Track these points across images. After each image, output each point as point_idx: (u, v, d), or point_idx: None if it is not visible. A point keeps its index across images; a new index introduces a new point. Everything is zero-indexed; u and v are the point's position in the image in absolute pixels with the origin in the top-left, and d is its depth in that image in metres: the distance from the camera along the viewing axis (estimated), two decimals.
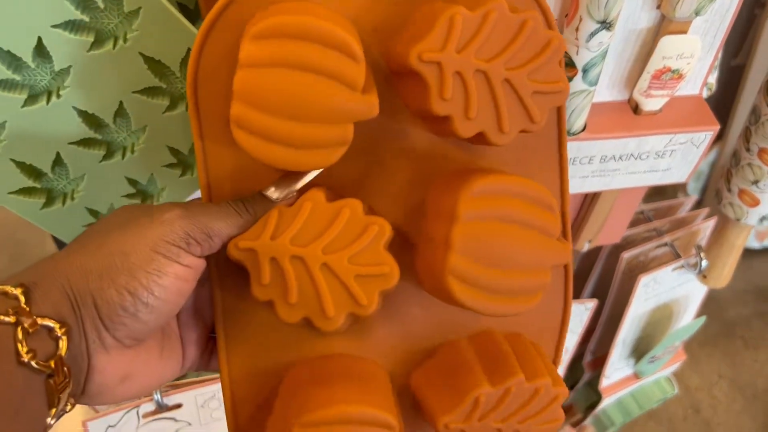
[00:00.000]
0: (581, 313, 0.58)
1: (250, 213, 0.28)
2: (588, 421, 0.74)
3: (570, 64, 0.39)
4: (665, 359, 0.67)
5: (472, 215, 0.27)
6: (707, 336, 1.43)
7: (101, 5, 0.30)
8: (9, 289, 0.24)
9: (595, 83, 0.40)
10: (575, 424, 0.77)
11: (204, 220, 0.26)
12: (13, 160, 0.34)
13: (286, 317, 0.28)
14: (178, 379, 0.51)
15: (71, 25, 0.31)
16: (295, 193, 0.28)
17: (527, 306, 0.28)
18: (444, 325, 0.32)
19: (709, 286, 0.59)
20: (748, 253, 1.59)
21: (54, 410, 0.25)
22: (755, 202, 0.51)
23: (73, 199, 0.37)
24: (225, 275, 0.30)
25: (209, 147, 0.27)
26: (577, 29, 0.37)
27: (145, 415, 0.49)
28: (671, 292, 0.63)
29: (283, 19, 0.24)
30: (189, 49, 0.34)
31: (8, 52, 0.30)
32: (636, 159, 0.45)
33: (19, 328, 0.24)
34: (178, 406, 0.50)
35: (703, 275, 0.59)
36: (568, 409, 0.79)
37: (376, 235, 0.27)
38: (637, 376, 0.70)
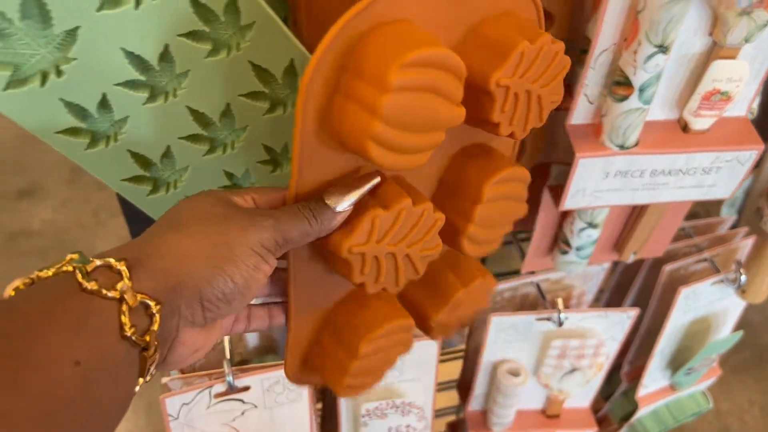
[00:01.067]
0: (623, 321, 0.61)
1: (318, 223, 0.32)
2: (623, 431, 0.76)
3: (626, 83, 0.43)
4: (702, 371, 0.69)
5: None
6: (740, 361, 1.43)
7: (222, 18, 0.35)
8: (114, 263, 0.26)
9: (649, 102, 0.44)
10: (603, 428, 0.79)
11: (287, 229, 0.31)
12: (129, 151, 0.38)
13: (370, 291, 0.35)
14: (246, 364, 0.55)
15: (195, 35, 0.35)
16: (351, 207, 0.33)
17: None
18: None
19: (747, 300, 0.61)
20: None
21: (141, 380, 0.27)
22: None
23: (176, 188, 0.41)
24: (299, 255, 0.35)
25: (307, 144, 0.32)
26: (635, 52, 0.41)
27: (217, 395, 0.53)
28: (710, 306, 0.65)
29: (426, 51, 0.28)
30: (291, 60, 0.38)
31: (138, 56, 0.35)
32: (684, 174, 0.48)
33: (124, 304, 0.26)
34: (247, 388, 0.53)
35: (742, 290, 0.61)
36: (602, 420, 0.81)
37: (438, 227, 0.35)
38: (673, 388, 0.73)
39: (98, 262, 0.26)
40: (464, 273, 0.42)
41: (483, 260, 0.73)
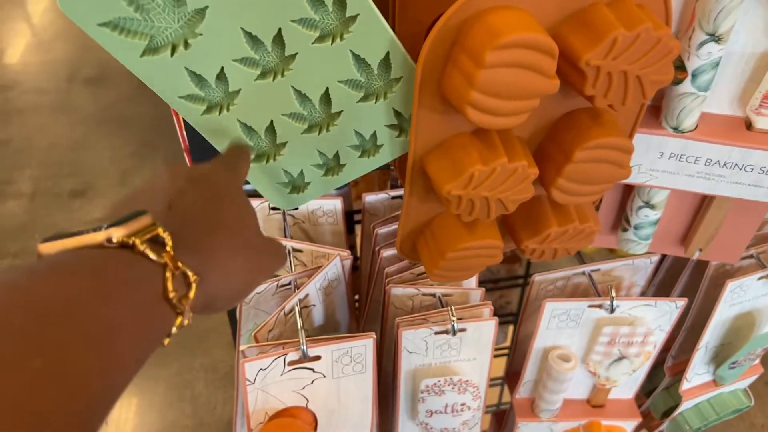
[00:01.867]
0: (671, 311, 0.64)
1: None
2: (665, 425, 0.79)
3: (681, 68, 0.47)
4: (745, 366, 0.72)
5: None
6: None
7: (330, 9, 0.39)
8: (160, 231, 0.28)
9: (704, 89, 0.47)
10: (651, 429, 0.82)
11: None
12: (238, 120, 0.43)
13: (464, 220, 0.45)
14: (318, 335, 0.59)
15: (305, 22, 0.40)
16: None
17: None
18: None
19: None
20: None
21: (167, 341, 0.28)
22: None
23: (275, 160, 0.46)
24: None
25: (422, 115, 0.37)
26: (690, 38, 0.45)
27: (290, 363, 0.57)
28: (755, 301, 0.68)
29: (519, 35, 0.33)
30: (387, 53, 0.42)
31: (255, 36, 0.40)
32: (740, 170, 0.51)
33: (168, 270, 0.27)
34: (318, 358, 0.57)
35: None
36: (644, 415, 0.84)
37: (530, 180, 0.42)
38: (716, 383, 0.75)
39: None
40: (565, 215, 0.49)
41: None
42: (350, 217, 0.79)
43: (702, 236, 0.58)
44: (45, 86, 2.39)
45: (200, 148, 0.61)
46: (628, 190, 0.58)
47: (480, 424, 0.70)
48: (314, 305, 0.64)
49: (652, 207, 0.56)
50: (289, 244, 0.65)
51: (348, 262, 0.66)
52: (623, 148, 0.43)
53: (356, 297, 0.79)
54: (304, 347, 0.56)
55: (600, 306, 0.63)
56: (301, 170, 0.47)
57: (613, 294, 0.62)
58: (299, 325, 0.57)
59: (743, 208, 0.57)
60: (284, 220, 0.68)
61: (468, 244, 0.48)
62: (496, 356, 0.78)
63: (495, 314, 0.61)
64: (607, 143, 0.42)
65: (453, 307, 0.59)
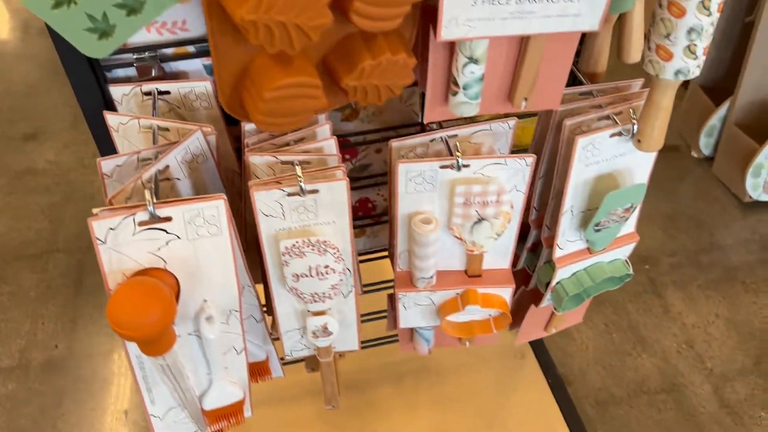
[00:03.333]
0: (522, 169, 0.66)
1: None
2: (547, 297, 0.82)
3: None
4: (612, 229, 0.74)
5: None
6: (708, 280, 1.47)
7: None
8: None
9: None
10: (538, 303, 0.84)
11: None
12: None
13: (269, 51, 0.47)
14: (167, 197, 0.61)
15: None
16: None
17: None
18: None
19: (642, 149, 0.66)
20: (757, 206, 1.62)
21: None
22: (669, 56, 0.58)
23: (75, 3, 0.47)
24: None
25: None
26: None
27: (141, 224, 0.59)
28: (613, 162, 0.70)
29: None
30: None
31: None
32: (548, 1, 0.53)
33: None
34: (168, 219, 0.60)
35: (637, 140, 0.66)
36: (535, 292, 0.87)
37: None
38: (590, 250, 0.78)
39: None
40: (377, 48, 0.51)
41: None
42: None
43: (524, 85, 0.60)
44: (0, 36, 2.41)
45: None
46: (451, 54, 0.59)
47: (355, 292, 0.73)
48: (178, 179, 0.67)
49: (476, 61, 0.57)
50: (155, 122, 0.67)
51: (212, 138, 0.68)
52: None
53: None
54: (151, 207, 0.58)
55: (451, 167, 0.65)
56: (104, 12, 0.49)
57: (459, 152, 0.64)
58: (150, 188, 0.59)
59: (556, 48, 0.59)
60: (154, 102, 0.70)
61: (283, 82, 0.50)
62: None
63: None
64: None
65: (301, 167, 0.61)
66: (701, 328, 1.39)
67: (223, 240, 0.62)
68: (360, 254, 1.06)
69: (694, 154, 1.78)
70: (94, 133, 0.71)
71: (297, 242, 0.65)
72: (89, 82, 0.68)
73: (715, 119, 1.68)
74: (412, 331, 0.88)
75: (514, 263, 0.89)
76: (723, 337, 1.37)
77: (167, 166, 0.65)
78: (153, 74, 0.69)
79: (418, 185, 0.67)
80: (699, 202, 1.68)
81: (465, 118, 0.69)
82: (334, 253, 0.66)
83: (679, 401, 1.26)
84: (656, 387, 1.29)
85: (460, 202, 0.67)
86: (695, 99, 1.76)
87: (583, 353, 1.34)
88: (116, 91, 0.67)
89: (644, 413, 1.24)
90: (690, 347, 1.35)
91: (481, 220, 0.69)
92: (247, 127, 0.67)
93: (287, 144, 0.67)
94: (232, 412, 0.78)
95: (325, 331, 0.74)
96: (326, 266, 0.67)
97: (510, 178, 0.67)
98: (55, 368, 1.34)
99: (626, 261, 0.82)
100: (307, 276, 0.68)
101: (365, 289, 0.99)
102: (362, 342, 1.14)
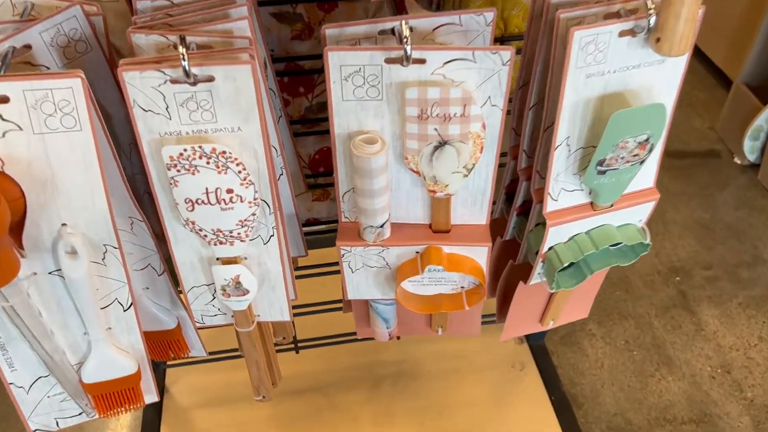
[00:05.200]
0: (497, 69, 0.49)
1: None
2: (538, 268, 0.63)
3: None
4: (622, 173, 0.55)
5: None
6: (749, 298, 1.26)
7: None
8: None
9: None
10: (527, 277, 0.66)
11: None
12: None
13: None
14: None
15: None
16: None
17: None
18: None
19: (662, 52, 0.48)
20: None
21: None
22: None
23: None
24: None
25: None
26: None
27: None
28: (624, 77, 0.52)
29: None
30: None
31: None
32: None
33: None
34: (5, 99, 0.44)
35: (656, 38, 0.48)
36: (525, 266, 0.69)
37: None
38: (594, 206, 0.59)
39: None
40: None
41: None
42: None
43: None
44: None
45: None
46: None
47: (278, 236, 0.56)
48: (46, 67, 0.51)
49: None
50: None
51: (99, 19, 0.53)
52: None
53: None
54: None
55: (400, 61, 0.48)
56: None
57: (407, 34, 0.47)
58: None
59: None
60: None
61: None
62: None
63: None
64: None
65: (186, 40, 0.45)
66: (741, 351, 1.17)
67: (83, 139, 0.46)
68: (323, 223, 0.89)
69: (737, 160, 1.58)
70: None
71: (185, 150, 0.48)
72: None
73: (761, 120, 1.48)
74: (367, 308, 0.70)
75: (501, 232, 0.71)
76: (767, 362, 1.15)
77: (29, 47, 0.50)
78: None
79: (358, 89, 0.50)
80: (741, 211, 1.46)
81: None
82: (240, 173, 0.50)
83: None
84: (683, 416, 1.07)
85: (414, 114, 0.50)
86: (739, 98, 1.56)
87: (597, 371, 1.14)
88: None
89: None
90: (726, 372, 1.14)
91: (443, 144, 0.52)
92: (140, 4, 0.51)
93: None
94: (124, 390, 0.61)
95: (239, 287, 0.57)
96: (229, 191, 0.50)
97: (482, 84, 0.50)
98: None
99: (643, 228, 0.63)
100: (204, 203, 0.51)
101: (332, 269, 0.83)
102: (335, 336, 0.97)
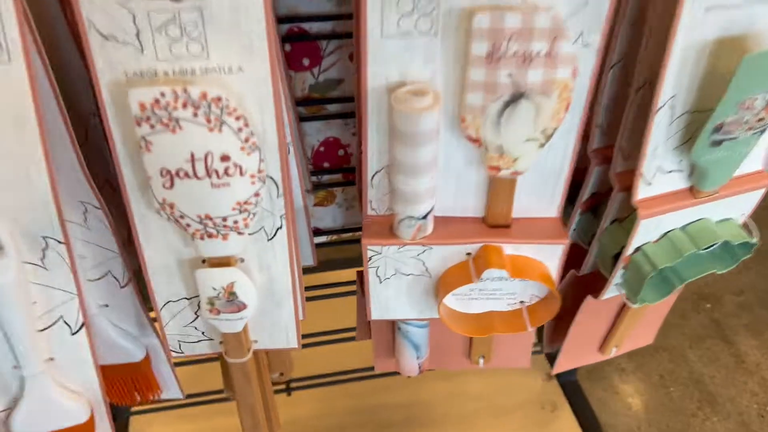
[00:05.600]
0: None
1: None
2: (617, 276, 0.50)
3: None
4: (740, 144, 0.42)
5: None
6: None
7: None
8: None
9: None
10: (598, 292, 0.52)
11: None
12: None
13: None
14: None
15: None
16: None
17: None
18: None
19: None
20: None
21: None
22: None
23: None
24: None
25: None
26: None
27: None
28: (752, 13, 0.39)
29: None
30: None
31: None
32: None
33: None
34: None
35: None
36: (592, 281, 0.55)
37: None
38: (694, 191, 0.46)
39: None
40: None
41: None
42: None
43: None
44: None
45: None
46: None
47: (288, 230, 0.41)
48: None
49: None
50: None
51: None
52: None
53: None
54: None
55: None
56: None
57: None
58: None
59: None
60: None
61: None
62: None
63: None
64: None
65: None
66: None
67: (16, 71, 0.32)
68: (330, 233, 0.74)
69: None
70: None
71: (163, 95, 0.34)
72: None
73: None
74: (392, 333, 0.55)
75: None
76: None
77: None
78: None
79: (405, 19, 0.36)
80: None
81: None
82: (240, 130, 0.35)
83: None
84: None
85: (481, 52, 0.37)
86: None
87: (632, 411, 0.99)
88: None
89: None
90: None
91: (518, 97, 0.38)
92: None
93: None
94: None
95: (232, 299, 0.42)
96: (225, 157, 0.36)
97: (575, 15, 0.37)
98: None
99: (746, 223, 0.50)
100: (188, 176, 0.36)
101: (337, 290, 0.68)
102: (334, 374, 0.81)
